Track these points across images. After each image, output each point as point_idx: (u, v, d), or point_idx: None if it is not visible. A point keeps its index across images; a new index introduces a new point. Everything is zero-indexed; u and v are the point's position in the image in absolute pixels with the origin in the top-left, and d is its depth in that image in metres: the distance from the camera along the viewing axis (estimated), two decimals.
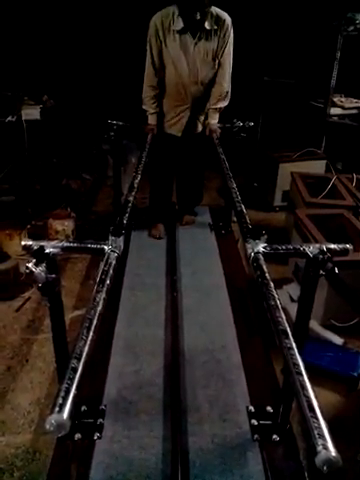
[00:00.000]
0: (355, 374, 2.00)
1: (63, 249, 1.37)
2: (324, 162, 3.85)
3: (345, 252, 1.40)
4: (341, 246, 1.38)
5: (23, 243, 1.36)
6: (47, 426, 0.80)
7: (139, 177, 2.05)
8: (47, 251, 1.32)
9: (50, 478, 1.44)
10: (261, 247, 1.41)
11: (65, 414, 0.80)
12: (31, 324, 2.37)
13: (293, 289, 2.51)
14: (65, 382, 0.87)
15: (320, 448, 0.78)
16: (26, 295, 2.58)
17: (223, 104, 2.74)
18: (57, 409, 0.81)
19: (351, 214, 2.74)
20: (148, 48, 2.55)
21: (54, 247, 1.34)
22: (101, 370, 1.85)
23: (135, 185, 1.94)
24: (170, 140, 2.81)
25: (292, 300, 2.44)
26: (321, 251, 1.35)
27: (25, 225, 3.17)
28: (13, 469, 1.61)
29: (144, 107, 2.72)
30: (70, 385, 0.86)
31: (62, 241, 1.40)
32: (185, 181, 3.12)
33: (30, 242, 1.34)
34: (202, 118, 2.81)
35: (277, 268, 2.71)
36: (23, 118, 3.45)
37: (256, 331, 2.17)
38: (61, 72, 4.19)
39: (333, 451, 0.78)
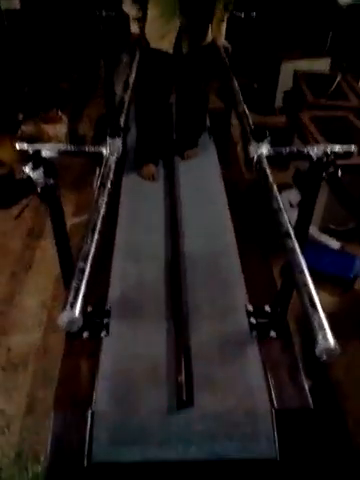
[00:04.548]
0: (350, 276, 2.07)
1: (60, 153, 1.32)
2: (329, 60, 3.62)
3: (349, 154, 1.37)
4: (345, 148, 1.35)
5: (18, 147, 1.31)
6: (59, 322, 0.83)
7: (133, 75, 1.93)
8: (44, 155, 1.28)
9: (62, 372, 1.54)
10: (264, 149, 1.37)
11: (76, 311, 0.83)
12: (31, 231, 2.39)
13: (292, 195, 2.50)
14: (74, 282, 0.89)
15: (320, 338, 0.83)
16: (23, 202, 2.55)
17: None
18: (69, 307, 0.84)
19: (355, 117, 2.63)
20: None
21: (50, 150, 1.30)
22: (104, 273, 1.90)
23: (130, 83, 1.83)
24: (159, 57, 2.28)
25: (291, 206, 2.44)
26: (325, 153, 1.32)
27: (15, 130, 3.04)
28: (27, 363, 1.72)
29: (125, 9, 2.24)
30: (79, 284, 0.89)
31: (58, 144, 1.35)
32: (184, 108, 2.64)
33: (25, 146, 1.29)
34: (202, 28, 2.29)
35: (276, 174, 2.66)
36: (1, 7, 3.11)
37: (255, 235, 2.19)
38: None
39: (332, 341, 0.82)
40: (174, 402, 1.44)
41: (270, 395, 1.47)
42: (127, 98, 1.70)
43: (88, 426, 1.38)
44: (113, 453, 1.35)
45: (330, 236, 2.36)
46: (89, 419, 1.40)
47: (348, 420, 1.57)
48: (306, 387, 1.51)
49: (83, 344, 1.62)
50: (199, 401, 1.45)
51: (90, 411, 1.41)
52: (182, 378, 1.47)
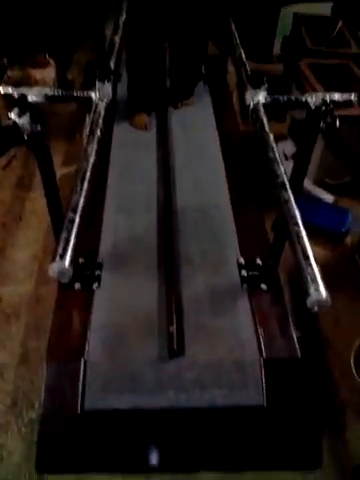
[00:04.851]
0: (343, 230, 2.07)
1: (47, 98, 1.26)
2: (330, 5, 3.43)
3: (349, 103, 1.32)
4: (345, 96, 1.30)
5: (2, 91, 1.24)
6: (50, 273, 0.82)
7: (124, 16, 1.81)
8: (30, 100, 1.22)
9: (54, 323, 1.55)
10: (261, 97, 1.32)
11: (66, 262, 0.82)
12: (20, 182, 2.33)
13: (288, 147, 2.44)
14: (64, 233, 0.87)
15: (312, 290, 0.82)
16: (11, 152, 2.47)
17: None
18: (58, 258, 0.82)
19: (356, 65, 2.53)
20: None
21: (37, 95, 1.24)
22: (96, 225, 1.88)
23: (120, 25, 1.72)
24: None
25: (286, 158, 2.40)
26: (324, 102, 1.27)
27: (1, 77, 2.90)
28: (19, 314, 1.73)
29: None
30: (69, 235, 0.87)
31: (45, 88, 1.28)
32: (179, 55, 2.44)
33: (10, 90, 1.23)
34: None
35: (272, 125, 2.60)
36: None
37: (249, 188, 2.16)
38: None
39: (324, 293, 0.82)
40: (165, 352, 1.47)
41: (259, 345, 1.50)
42: (117, 40, 1.61)
43: (81, 375, 1.41)
44: (105, 400, 1.39)
45: (324, 190, 2.33)
46: (82, 368, 1.42)
47: (334, 371, 1.61)
48: (294, 338, 1.54)
49: (75, 296, 1.62)
50: (190, 351, 1.48)
51: (83, 360, 1.44)
52: (173, 328, 1.49)
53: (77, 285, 1.64)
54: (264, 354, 1.48)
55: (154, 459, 1.36)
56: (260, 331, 1.54)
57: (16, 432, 1.42)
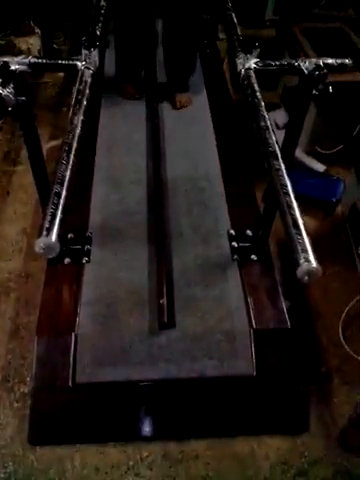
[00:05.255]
0: (334, 199, 2.06)
1: (31, 66, 1.21)
2: None
3: (343, 68, 1.29)
4: (339, 61, 1.26)
5: None
6: (36, 249, 0.80)
7: None
8: (13, 68, 1.17)
9: (44, 298, 1.55)
10: (253, 63, 1.28)
11: (53, 237, 0.80)
12: (7, 156, 2.28)
13: (279, 116, 2.40)
14: (50, 207, 0.85)
15: (302, 261, 0.81)
16: None
17: None
18: (45, 233, 0.80)
19: (350, 29, 2.45)
20: None
21: (20, 64, 1.19)
22: (84, 199, 1.85)
23: None
24: None
25: (278, 127, 2.36)
26: (317, 67, 1.23)
27: None
28: (9, 291, 1.72)
29: None
30: (55, 209, 0.84)
31: (29, 57, 1.23)
32: (173, 40, 2.23)
33: None
34: None
35: (264, 94, 2.54)
36: None
37: (240, 159, 2.14)
38: None
39: (314, 263, 0.81)
40: (156, 324, 1.47)
41: (249, 316, 1.51)
42: (104, 3, 1.54)
43: (72, 348, 1.41)
44: (96, 373, 1.40)
45: (315, 159, 2.31)
46: (72, 342, 1.42)
47: (323, 339, 1.64)
48: (284, 308, 1.55)
49: (64, 270, 1.61)
50: (181, 323, 1.49)
51: (73, 334, 1.44)
52: (164, 301, 1.49)
53: (67, 260, 1.63)
54: (254, 325, 1.49)
55: (146, 429, 1.38)
56: (250, 302, 1.55)
57: (8, 407, 1.43)
